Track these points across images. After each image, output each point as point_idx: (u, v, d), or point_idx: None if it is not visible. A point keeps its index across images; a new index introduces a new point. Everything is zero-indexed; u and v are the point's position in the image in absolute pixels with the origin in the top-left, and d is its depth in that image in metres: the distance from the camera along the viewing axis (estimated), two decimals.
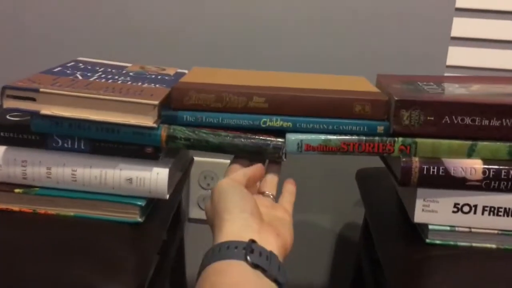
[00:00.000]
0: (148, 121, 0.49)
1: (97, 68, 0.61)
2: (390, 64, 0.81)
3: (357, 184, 0.76)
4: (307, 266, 0.93)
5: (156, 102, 0.49)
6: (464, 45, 0.82)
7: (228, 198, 0.42)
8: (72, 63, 0.62)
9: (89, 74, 0.57)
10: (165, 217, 0.59)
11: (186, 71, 0.66)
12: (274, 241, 0.40)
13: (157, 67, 0.66)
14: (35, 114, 0.49)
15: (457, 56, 0.82)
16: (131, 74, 0.60)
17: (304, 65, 0.83)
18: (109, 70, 0.61)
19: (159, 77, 0.61)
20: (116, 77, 0.58)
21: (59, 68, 0.58)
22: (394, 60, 0.81)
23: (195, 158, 0.84)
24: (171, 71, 0.65)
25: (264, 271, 0.36)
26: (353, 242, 0.91)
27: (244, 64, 0.83)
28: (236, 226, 0.40)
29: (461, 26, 0.80)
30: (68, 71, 0.57)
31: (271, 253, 0.38)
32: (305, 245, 0.92)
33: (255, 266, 0.36)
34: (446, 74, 0.82)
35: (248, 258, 0.36)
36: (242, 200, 0.42)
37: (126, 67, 0.64)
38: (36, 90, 0.48)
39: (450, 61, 0.82)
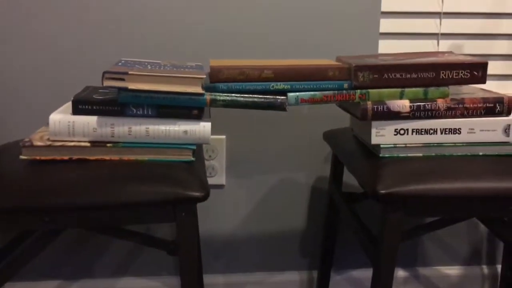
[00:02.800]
0: (199, 90, 0.75)
1: (144, 63, 0.86)
2: (340, 53, 1.12)
3: (325, 140, 1.05)
4: (287, 215, 1.20)
5: (204, 76, 0.75)
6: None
7: None
8: (124, 61, 0.86)
9: (143, 66, 0.82)
10: (202, 158, 0.85)
11: (201, 64, 0.92)
12: None
13: (179, 61, 0.92)
14: (124, 89, 0.73)
15: (385, 47, 1.14)
16: (168, 66, 0.86)
17: (284, 54, 1.12)
18: (152, 63, 0.86)
19: (188, 66, 0.87)
20: (162, 67, 0.83)
21: (121, 64, 0.82)
22: (343, 51, 1.13)
23: None
24: (192, 64, 0.91)
25: None
26: (324, 191, 1.20)
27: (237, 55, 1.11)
28: None
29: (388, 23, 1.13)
30: (129, 65, 0.82)
31: None
32: (284, 197, 1.19)
33: None
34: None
35: None
36: None
37: (160, 62, 0.90)
38: (126, 73, 0.73)
39: (381, 50, 1.14)
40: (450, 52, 0.91)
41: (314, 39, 1.11)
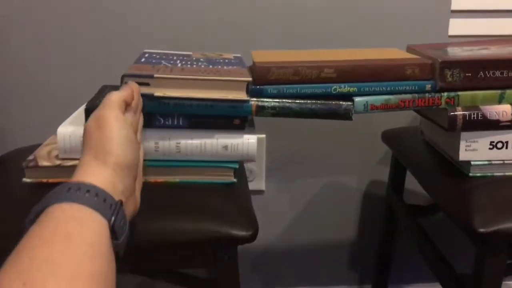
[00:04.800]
0: (242, 96, 0.59)
1: (172, 57, 0.70)
2: (400, 37, 0.94)
3: (385, 142, 0.88)
4: (335, 224, 1.05)
5: (250, 79, 0.59)
6: (463, 17, 0.95)
7: (114, 139, 0.45)
8: (147, 55, 0.71)
9: (171, 62, 0.66)
10: (244, 176, 0.70)
11: (240, 55, 0.76)
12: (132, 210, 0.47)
13: (214, 53, 0.76)
14: (149, 97, 0.58)
15: (458, 27, 0.95)
16: (201, 59, 0.70)
17: (327, 42, 0.94)
18: (181, 57, 0.70)
19: (226, 60, 0.70)
20: (195, 63, 0.67)
21: (143, 59, 0.67)
22: (403, 34, 0.94)
23: None
24: (229, 56, 0.74)
25: (116, 239, 0.41)
26: (377, 198, 1.04)
27: (281, 44, 0.94)
28: (112, 177, 0.44)
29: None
30: (153, 61, 0.66)
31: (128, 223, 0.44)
32: (332, 204, 1.03)
33: (113, 231, 0.40)
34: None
35: (113, 219, 0.40)
36: (128, 149, 0.46)
37: (191, 54, 0.74)
38: (151, 76, 0.57)
39: (452, 31, 0.95)
40: None
41: (370, 19, 0.93)
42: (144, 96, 0.58)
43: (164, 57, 0.70)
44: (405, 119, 0.98)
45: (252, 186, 1.01)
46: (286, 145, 1.00)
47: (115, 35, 0.92)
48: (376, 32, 0.94)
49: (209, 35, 0.92)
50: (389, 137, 0.88)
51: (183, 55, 0.73)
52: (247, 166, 1.00)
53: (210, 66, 0.65)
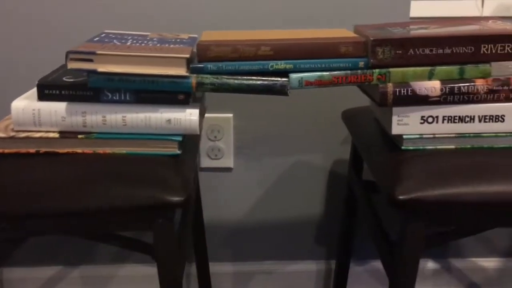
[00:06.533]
0: (182, 71, 0.63)
1: (126, 37, 0.74)
2: (363, 21, 0.96)
3: (344, 121, 0.91)
4: (302, 201, 1.09)
5: (188, 55, 0.63)
6: None
7: None
8: (104, 35, 0.75)
9: (123, 41, 0.70)
10: (194, 150, 0.74)
11: (196, 35, 0.79)
12: None
13: (171, 34, 0.80)
14: (93, 72, 0.62)
15: (418, 9, 0.97)
16: (154, 39, 0.74)
17: (293, 23, 0.97)
18: (136, 37, 0.74)
19: (178, 40, 0.74)
20: (146, 42, 0.71)
21: (97, 38, 0.71)
22: (366, 17, 0.97)
23: None
24: (185, 36, 0.78)
25: None
26: (343, 176, 1.07)
27: (241, 26, 0.97)
28: None
29: None
30: (106, 40, 0.70)
31: None
32: (299, 182, 1.07)
33: None
34: None
35: None
36: None
37: (147, 35, 0.77)
38: (94, 53, 0.61)
39: (413, 13, 0.98)
40: (496, 18, 0.74)
41: (327, 2, 0.96)
42: (88, 71, 0.62)
43: (119, 37, 0.74)
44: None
45: (220, 164, 1.05)
46: (254, 125, 1.04)
47: (78, 17, 0.96)
48: (338, 15, 0.97)
49: (172, 15, 0.96)
50: (347, 116, 0.91)
51: (139, 35, 0.77)
52: (216, 144, 1.04)
53: (159, 45, 0.69)
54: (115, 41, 0.70)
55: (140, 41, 0.71)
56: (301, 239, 1.11)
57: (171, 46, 0.69)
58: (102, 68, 0.62)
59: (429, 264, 1.14)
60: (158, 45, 0.69)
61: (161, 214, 0.60)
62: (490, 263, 1.14)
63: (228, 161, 1.05)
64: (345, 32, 0.72)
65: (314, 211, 1.10)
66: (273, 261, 1.12)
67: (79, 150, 0.66)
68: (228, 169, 1.06)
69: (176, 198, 0.59)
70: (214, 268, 1.10)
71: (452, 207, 0.60)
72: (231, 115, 1.03)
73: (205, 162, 1.05)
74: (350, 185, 0.97)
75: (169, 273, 0.62)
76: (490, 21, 0.73)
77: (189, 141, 0.75)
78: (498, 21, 0.72)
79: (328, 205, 1.09)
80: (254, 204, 1.08)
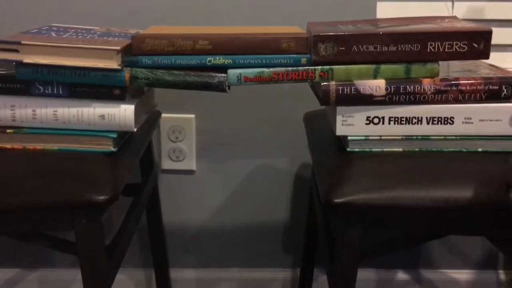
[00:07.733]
0: (113, 64, 0.60)
1: (70, 30, 0.71)
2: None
3: (304, 123, 0.88)
4: (267, 205, 1.05)
5: (118, 48, 0.60)
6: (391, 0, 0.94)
7: None
8: (47, 27, 0.72)
9: (61, 34, 0.68)
10: (136, 149, 0.71)
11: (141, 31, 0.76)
12: None
13: (121, 28, 0.77)
14: (19, 63, 0.59)
15: (385, 10, 0.94)
16: (98, 33, 0.71)
17: (250, 19, 0.94)
18: (80, 31, 0.71)
19: (123, 34, 0.71)
20: (85, 35, 0.68)
21: (35, 30, 0.68)
22: (333, 17, 0.94)
23: (163, 115, 0.96)
24: (133, 31, 0.76)
25: None
26: (308, 180, 1.04)
27: (197, 22, 0.94)
28: None
29: None
30: (43, 32, 0.67)
31: None
32: (264, 186, 1.04)
33: None
34: None
35: None
36: None
37: (94, 29, 0.75)
38: (19, 43, 0.59)
39: (380, 14, 0.95)
40: (453, 18, 0.71)
41: (298, 2, 0.93)
42: (14, 62, 0.60)
43: (61, 30, 0.71)
44: None
45: (182, 166, 1.02)
46: (217, 126, 1.01)
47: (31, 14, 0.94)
48: (305, 16, 0.94)
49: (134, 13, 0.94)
50: (307, 117, 0.88)
51: (85, 29, 0.74)
52: (177, 145, 1.01)
53: (98, 38, 0.66)
54: (52, 33, 0.67)
55: (80, 34, 0.68)
56: (266, 245, 1.07)
57: (110, 39, 0.66)
58: (28, 59, 0.59)
59: (400, 275, 1.10)
60: (98, 38, 0.66)
61: (85, 214, 0.57)
62: (462, 275, 1.09)
63: (190, 163, 1.02)
64: (294, 29, 0.69)
65: (280, 216, 1.06)
66: (237, 268, 1.09)
67: (8, 146, 0.64)
68: (190, 172, 1.03)
69: (99, 197, 0.56)
70: (175, 274, 1.07)
71: (390, 212, 0.56)
72: (193, 115, 1.00)
73: (166, 164, 1.02)
74: (311, 190, 0.94)
75: (92, 277, 0.58)
76: (447, 20, 0.69)
77: (135, 140, 0.72)
78: (454, 19, 0.69)
79: (294, 210, 1.06)
80: (217, 208, 1.05)
